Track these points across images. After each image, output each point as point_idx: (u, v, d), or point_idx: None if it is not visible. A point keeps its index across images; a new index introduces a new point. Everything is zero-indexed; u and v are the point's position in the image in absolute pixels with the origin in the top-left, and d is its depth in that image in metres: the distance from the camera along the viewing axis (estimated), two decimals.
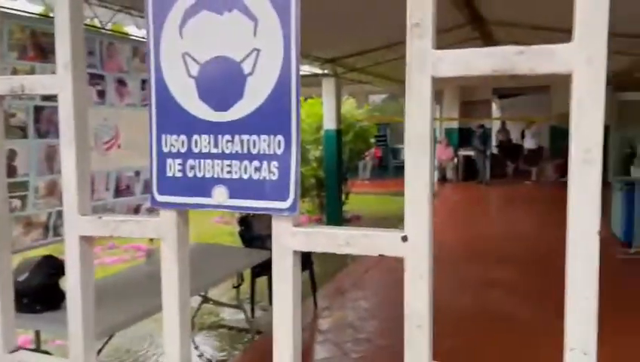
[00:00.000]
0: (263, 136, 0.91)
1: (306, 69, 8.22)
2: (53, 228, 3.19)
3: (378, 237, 0.86)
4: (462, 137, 14.75)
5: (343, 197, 9.40)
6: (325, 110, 8.87)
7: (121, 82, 3.67)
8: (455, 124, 14.99)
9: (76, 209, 1.07)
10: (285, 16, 0.87)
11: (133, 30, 4.48)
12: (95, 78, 3.46)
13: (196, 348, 4.16)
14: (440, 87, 13.37)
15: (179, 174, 0.98)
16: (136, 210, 3.85)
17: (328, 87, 8.75)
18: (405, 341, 0.85)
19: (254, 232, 4.82)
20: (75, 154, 1.07)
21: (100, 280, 3.26)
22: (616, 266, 5.92)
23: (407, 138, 0.82)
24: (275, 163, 0.90)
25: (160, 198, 1.00)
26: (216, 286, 4.25)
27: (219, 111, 0.93)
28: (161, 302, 1.03)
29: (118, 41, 3.71)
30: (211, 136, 0.94)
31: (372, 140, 11.62)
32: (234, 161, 0.93)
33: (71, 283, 1.09)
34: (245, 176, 0.93)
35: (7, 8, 3.23)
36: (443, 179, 13.84)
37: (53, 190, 3.15)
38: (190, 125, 0.95)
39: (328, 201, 9.06)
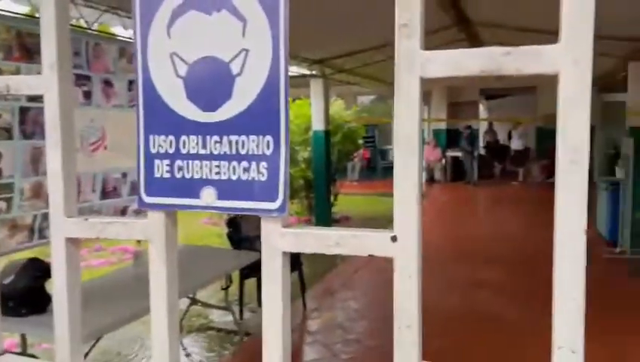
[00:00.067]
0: (252, 137, 0.90)
1: (294, 70, 8.21)
2: (38, 230, 3.15)
3: (367, 238, 0.86)
4: (450, 138, 14.83)
5: (332, 198, 9.41)
6: (313, 111, 8.87)
7: (107, 83, 3.64)
8: (443, 125, 15.07)
9: (62, 211, 1.06)
10: (274, 17, 0.87)
11: (120, 31, 4.44)
12: (81, 79, 3.43)
13: (185, 350, 4.14)
14: (428, 88, 13.43)
15: (167, 175, 0.97)
16: (123, 212, 3.82)
17: (316, 88, 8.75)
18: (395, 341, 0.85)
19: (243, 234, 4.81)
20: (60, 156, 1.05)
21: (86, 283, 3.22)
22: (602, 266, 5.99)
23: (395, 138, 0.83)
24: (263, 163, 0.90)
25: (148, 199, 0.99)
26: (204, 288, 4.23)
27: (207, 111, 0.92)
28: (149, 304, 1.02)
29: (104, 42, 3.68)
30: (199, 136, 0.93)
31: (360, 141, 11.64)
32: (222, 162, 0.92)
33: (57, 285, 1.07)
34: (234, 177, 0.92)
35: None
36: (431, 180, 13.91)
37: (39, 192, 3.12)
38: (178, 126, 0.95)
39: (317, 202, 9.06)
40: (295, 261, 4.61)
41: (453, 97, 15.00)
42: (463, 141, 13.89)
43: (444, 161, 14.26)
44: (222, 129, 0.92)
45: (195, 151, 0.94)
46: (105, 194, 3.67)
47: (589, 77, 0.71)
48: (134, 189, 3.70)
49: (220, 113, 0.92)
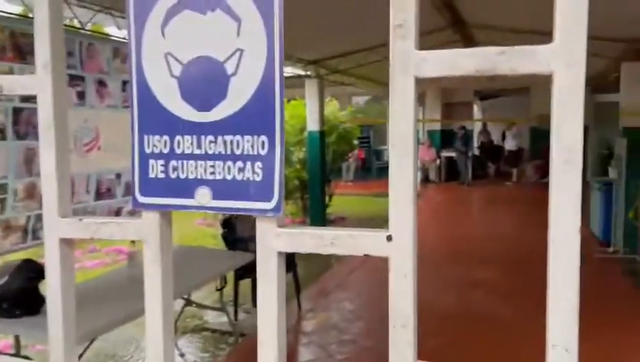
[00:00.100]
0: (247, 137, 0.90)
1: (289, 71, 8.21)
2: (32, 231, 3.14)
3: (363, 237, 0.86)
4: (444, 139, 14.87)
5: (327, 198, 9.41)
6: (308, 112, 8.87)
7: (101, 83, 3.62)
8: (437, 126, 15.10)
9: (56, 211, 1.05)
10: (268, 17, 0.87)
11: (114, 31, 4.42)
12: (75, 79, 3.41)
13: (180, 352, 4.12)
14: (422, 89, 13.46)
15: (161, 175, 0.97)
16: (118, 213, 3.81)
17: (311, 88, 8.75)
18: (390, 340, 0.85)
19: (237, 234, 4.80)
20: (54, 156, 1.05)
21: (80, 284, 3.21)
22: (595, 265, 6.02)
23: (391, 138, 0.83)
24: (259, 163, 0.90)
25: (142, 200, 0.99)
26: (199, 289, 4.22)
27: (202, 111, 0.92)
28: (143, 305, 1.02)
29: (98, 42, 3.66)
30: (194, 136, 0.93)
31: (355, 142, 11.64)
32: (217, 162, 0.92)
33: (51, 286, 1.07)
34: (229, 177, 0.92)
35: None
36: (426, 180, 13.93)
37: (33, 193, 3.10)
38: (173, 126, 0.94)
39: (312, 203, 9.06)
40: (290, 262, 4.60)
41: (447, 98, 15.04)
42: (458, 141, 13.93)
43: (438, 161, 14.30)
44: (217, 129, 0.92)
45: (189, 151, 0.94)
46: (99, 195, 3.65)
47: (583, 76, 0.72)
48: (128, 190, 3.69)
49: (214, 113, 0.92)
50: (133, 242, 3.58)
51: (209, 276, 3.87)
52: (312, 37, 5.61)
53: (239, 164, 0.91)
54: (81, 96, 3.48)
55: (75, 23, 4.05)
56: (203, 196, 0.94)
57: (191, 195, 0.95)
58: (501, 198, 11.98)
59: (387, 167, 0.84)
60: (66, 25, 3.63)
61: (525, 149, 14.41)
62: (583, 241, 0.76)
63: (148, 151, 0.97)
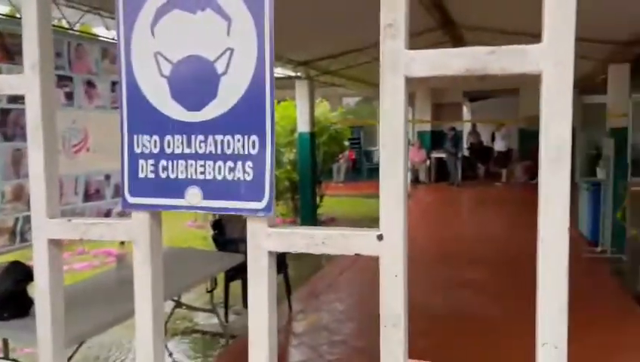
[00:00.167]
0: (237, 136, 0.90)
1: (280, 72, 8.21)
2: (20, 233, 3.10)
3: (354, 237, 0.86)
4: (434, 140, 14.93)
5: (318, 199, 9.41)
6: (299, 113, 8.87)
7: (90, 84, 3.60)
8: (427, 127, 15.16)
9: (44, 212, 1.05)
10: (259, 16, 0.86)
11: (103, 31, 4.40)
12: (63, 80, 3.38)
13: (170, 354, 4.10)
14: (412, 90, 13.51)
15: (151, 175, 0.96)
16: (107, 215, 3.78)
17: (302, 89, 8.75)
18: (381, 339, 0.85)
19: (228, 236, 4.79)
20: (42, 156, 1.04)
21: (69, 286, 3.18)
22: (584, 265, 6.07)
23: (381, 138, 0.83)
24: (249, 163, 0.90)
25: (132, 200, 0.98)
26: (189, 290, 4.20)
27: (192, 111, 0.92)
28: (132, 307, 1.01)
29: (86, 42, 3.64)
30: (184, 136, 0.93)
31: (346, 143, 11.66)
32: (207, 162, 0.92)
33: (40, 287, 1.06)
34: (219, 177, 0.92)
35: None
36: (416, 180, 13.98)
37: (20, 195, 3.07)
38: (163, 125, 0.94)
39: (302, 204, 9.06)
40: (280, 263, 4.60)
41: (437, 99, 15.10)
42: (447, 142, 13.99)
43: (428, 162, 14.35)
44: (207, 128, 0.91)
45: (179, 151, 0.93)
46: (88, 197, 3.62)
47: (571, 76, 0.73)
48: (118, 191, 3.67)
49: (204, 112, 0.91)
50: (122, 244, 3.56)
51: (199, 277, 3.85)
52: (303, 38, 5.62)
53: (230, 163, 0.91)
54: (69, 96, 3.45)
55: (64, 23, 4.02)
56: (193, 196, 0.94)
57: (181, 195, 0.94)
58: (490, 199, 12.05)
59: (378, 168, 0.84)
60: (54, 25, 3.60)
61: (514, 150, 14.52)
62: (572, 241, 0.77)
63: (137, 151, 0.96)
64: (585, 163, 10.00)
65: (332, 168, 13.25)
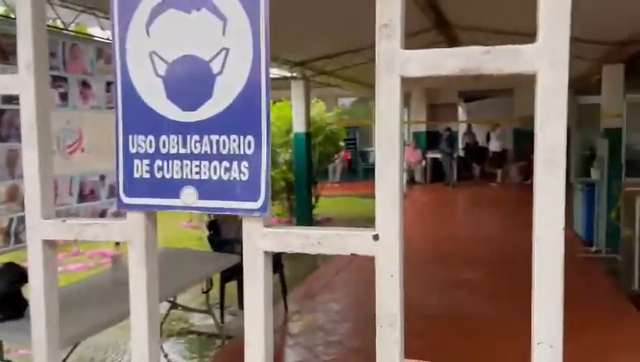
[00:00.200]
0: (233, 136, 0.90)
1: (275, 72, 8.20)
2: (14, 234, 3.09)
3: (350, 237, 0.86)
4: (429, 140, 14.96)
5: (313, 200, 9.41)
6: (294, 113, 8.87)
7: (85, 84, 3.58)
8: (423, 128, 15.19)
9: (39, 212, 1.04)
10: (254, 16, 0.86)
11: (97, 31, 4.38)
12: (58, 80, 3.37)
13: (165, 355, 4.09)
14: (407, 90, 13.53)
15: (146, 175, 0.96)
16: (102, 215, 3.77)
17: (297, 90, 8.75)
18: (377, 339, 0.85)
19: (223, 236, 4.78)
20: (37, 156, 1.04)
21: (64, 288, 3.17)
22: (579, 265, 6.09)
23: (377, 138, 0.83)
24: (245, 163, 0.90)
25: (127, 200, 0.98)
26: (185, 291, 4.19)
27: (187, 110, 0.92)
28: (127, 308, 1.01)
29: (81, 43, 3.63)
30: (180, 136, 0.93)
31: (341, 143, 11.66)
32: (203, 162, 0.92)
33: (34, 288, 1.05)
34: (215, 177, 0.91)
35: None
36: (411, 181, 14.00)
37: (15, 195, 3.06)
38: (158, 125, 0.94)
39: (298, 204, 9.05)
40: (276, 263, 4.59)
41: (432, 100, 15.13)
42: (443, 143, 14.02)
43: (424, 162, 14.38)
44: (202, 128, 0.91)
45: (175, 151, 0.93)
46: (82, 198, 3.61)
47: (566, 75, 0.73)
48: (113, 192, 3.65)
49: (200, 112, 0.91)
50: (117, 245, 3.55)
51: (195, 278, 3.85)
52: (298, 38, 5.62)
53: (225, 163, 0.91)
54: (64, 97, 3.44)
55: (59, 23, 4.00)
56: (189, 196, 0.94)
57: (176, 195, 0.94)
58: (486, 199, 12.08)
59: (373, 169, 0.84)
60: (48, 25, 3.59)
61: (509, 150, 14.56)
62: (567, 241, 0.77)
63: (133, 151, 0.96)
64: (579, 163, 10.05)
65: (328, 168, 13.25)
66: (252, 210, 0.90)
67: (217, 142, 0.91)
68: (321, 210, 9.69)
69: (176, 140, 0.93)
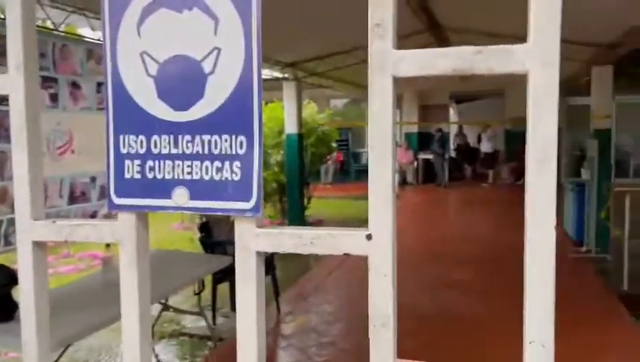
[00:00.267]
0: (225, 136, 0.89)
1: (267, 73, 8.19)
2: (4, 236, 3.06)
3: (342, 237, 0.86)
4: (421, 141, 15.01)
5: (305, 201, 9.40)
6: (286, 114, 8.86)
7: (75, 85, 3.56)
8: (415, 129, 15.24)
9: (29, 214, 1.03)
10: (246, 16, 0.86)
11: (88, 32, 4.36)
12: (48, 81, 3.34)
13: (157, 357, 4.07)
14: (399, 92, 13.56)
15: (137, 176, 0.95)
16: (93, 217, 3.74)
17: (289, 91, 8.74)
18: (370, 339, 0.85)
19: (215, 238, 4.77)
20: (27, 157, 1.03)
21: (54, 290, 3.14)
22: (569, 265, 6.13)
23: (370, 138, 0.83)
24: (237, 163, 0.89)
25: (118, 201, 0.97)
26: (176, 293, 4.17)
27: (179, 110, 0.91)
28: (118, 311, 1.00)
29: (71, 43, 3.60)
30: (171, 136, 0.92)
31: (334, 144, 11.66)
32: (195, 162, 0.91)
33: (24, 290, 1.04)
34: (206, 177, 0.91)
35: None
36: (403, 182, 14.03)
37: (4, 197, 3.03)
38: (149, 125, 0.93)
39: (290, 206, 9.04)
40: (268, 265, 4.58)
41: (424, 101, 15.19)
42: (435, 144, 14.07)
43: (415, 163, 14.42)
44: (194, 128, 0.91)
45: (166, 151, 0.93)
46: (73, 199, 3.59)
47: (557, 75, 0.73)
48: (104, 193, 3.63)
49: (191, 112, 0.91)
50: (108, 247, 3.53)
51: (186, 280, 3.83)
52: (290, 39, 5.62)
53: (217, 163, 0.90)
54: (54, 98, 3.41)
55: (49, 24, 3.98)
56: (180, 196, 0.93)
57: (168, 196, 0.94)
58: (477, 200, 12.13)
59: (365, 170, 0.84)
60: (38, 26, 3.56)
61: (501, 151, 14.64)
62: (557, 241, 0.77)
63: (124, 151, 0.95)
64: (570, 164, 10.13)
65: (320, 170, 13.26)
66: (244, 211, 0.90)
67: (209, 142, 0.90)
68: (313, 211, 9.69)
69: (167, 140, 0.92)
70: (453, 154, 15.30)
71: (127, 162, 0.95)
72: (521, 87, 0.76)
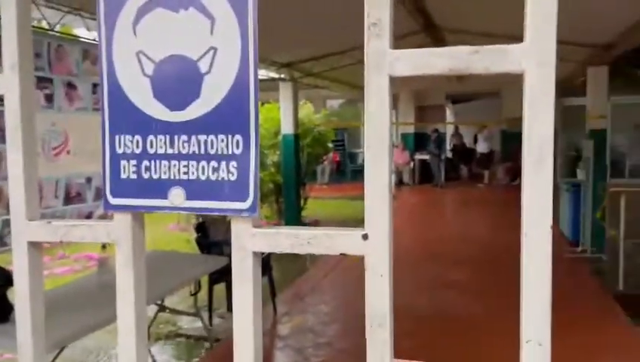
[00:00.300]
0: (221, 136, 0.89)
1: (263, 74, 8.19)
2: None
3: (339, 236, 0.86)
4: (417, 142, 15.04)
5: (302, 202, 9.40)
6: (283, 115, 8.86)
7: (70, 86, 3.55)
8: (411, 129, 15.27)
9: (24, 214, 1.03)
10: (243, 16, 0.86)
11: (83, 32, 4.34)
12: (43, 82, 3.33)
13: (153, 358, 4.06)
14: (395, 93, 13.57)
15: (133, 176, 0.95)
16: (88, 218, 3.73)
17: (285, 91, 8.74)
18: (367, 339, 0.85)
19: (211, 238, 4.76)
20: (22, 157, 1.03)
21: (50, 291, 3.13)
22: (565, 265, 6.15)
23: (367, 138, 0.83)
24: (233, 163, 0.89)
25: (114, 201, 0.97)
26: (173, 294, 4.16)
27: (175, 110, 0.91)
28: (114, 312, 1.00)
29: (67, 44, 3.59)
30: (167, 136, 0.92)
31: (330, 145, 11.66)
32: (191, 162, 0.91)
33: (20, 291, 1.04)
34: (203, 177, 0.91)
35: None
36: (400, 182, 14.05)
37: None
38: (145, 125, 0.93)
39: (287, 206, 9.04)
40: (265, 265, 4.58)
41: (420, 101, 15.22)
42: (431, 144, 14.09)
43: (412, 164, 14.44)
44: (190, 128, 0.90)
45: (162, 151, 0.92)
46: (68, 200, 3.57)
47: (553, 75, 0.74)
48: (99, 194, 3.62)
49: (188, 112, 0.90)
50: (103, 248, 3.52)
51: (183, 281, 3.82)
52: (286, 40, 5.61)
53: (213, 163, 0.90)
54: (49, 98, 3.40)
55: (44, 24, 3.96)
56: (177, 196, 0.93)
57: (164, 196, 0.93)
58: (473, 200, 12.16)
59: (362, 170, 0.84)
60: (34, 26, 3.54)
61: (496, 152, 14.67)
62: (553, 241, 0.77)
63: (119, 151, 0.95)
64: (565, 164, 10.16)
65: (316, 170, 13.25)
66: (241, 211, 0.90)
67: (205, 142, 0.90)
68: (309, 212, 9.68)
69: (163, 140, 0.92)
70: (449, 154, 15.33)
71: (123, 162, 0.95)
72: (516, 88, 0.77)
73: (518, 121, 0.78)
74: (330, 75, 8.81)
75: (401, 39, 5.54)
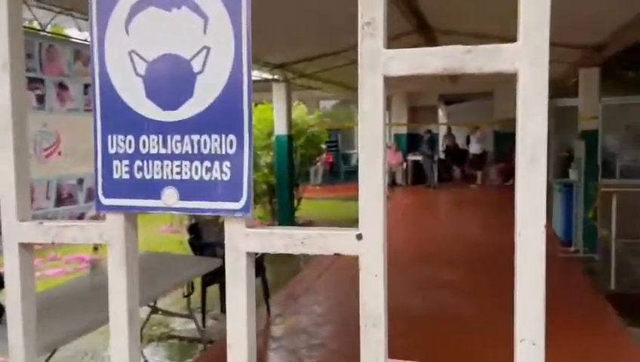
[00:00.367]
0: (214, 136, 0.89)
1: (256, 74, 8.18)
2: None
3: (333, 236, 0.86)
4: (410, 142, 15.07)
5: (295, 202, 9.39)
6: (276, 116, 8.85)
7: (62, 86, 3.53)
8: (404, 130, 15.30)
9: (15, 215, 1.02)
10: (236, 15, 0.86)
11: (75, 33, 4.32)
12: (34, 82, 3.31)
13: (146, 360, 4.03)
14: (389, 94, 13.59)
15: (126, 176, 0.94)
16: (80, 219, 3.71)
17: (279, 92, 8.74)
18: (361, 339, 0.85)
19: (204, 240, 4.74)
20: (13, 158, 1.02)
21: (41, 293, 3.11)
22: (558, 265, 6.18)
23: (360, 138, 0.83)
24: (227, 163, 0.88)
25: (106, 201, 0.96)
26: (165, 295, 4.14)
27: (168, 110, 0.90)
28: (106, 314, 0.99)
29: (58, 44, 3.57)
30: (160, 136, 0.91)
31: (323, 146, 11.66)
32: (184, 162, 0.91)
33: (11, 293, 1.03)
34: (196, 177, 0.90)
35: None
36: (393, 183, 14.07)
37: None
38: (138, 125, 0.92)
39: (280, 207, 9.03)
40: (258, 266, 4.57)
41: (413, 102, 15.26)
42: (424, 145, 14.12)
43: (405, 165, 14.46)
44: (183, 128, 0.90)
45: (155, 151, 0.92)
46: (60, 202, 3.55)
47: (546, 75, 0.74)
48: (91, 195, 3.60)
49: (181, 112, 0.90)
50: (95, 249, 3.49)
51: (176, 282, 3.80)
52: (279, 40, 5.61)
53: (207, 163, 0.89)
54: (40, 99, 3.38)
55: (35, 24, 3.93)
56: (170, 197, 0.92)
57: (157, 196, 0.93)
58: (466, 201, 12.20)
59: (355, 171, 0.84)
60: (25, 26, 3.52)
61: (489, 152, 14.73)
62: (546, 241, 0.77)
63: (112, 151, 0.94)
64: (558, 165, 10.22)
65: (309, 171, 13.25)
66: (234, 211, 0.89)
67: (198, 141, 0.89)
68: (303, 212, 9.68)
69: (156, 140, 0.91)
70: (442, 155, 15.37)
71: (116, 162, 0.94)
72: (509, 89, 0.77)
73: (511, 122, 0.78)
74: (323, 76, 8.81)
75: (394, 40, 5.54)
